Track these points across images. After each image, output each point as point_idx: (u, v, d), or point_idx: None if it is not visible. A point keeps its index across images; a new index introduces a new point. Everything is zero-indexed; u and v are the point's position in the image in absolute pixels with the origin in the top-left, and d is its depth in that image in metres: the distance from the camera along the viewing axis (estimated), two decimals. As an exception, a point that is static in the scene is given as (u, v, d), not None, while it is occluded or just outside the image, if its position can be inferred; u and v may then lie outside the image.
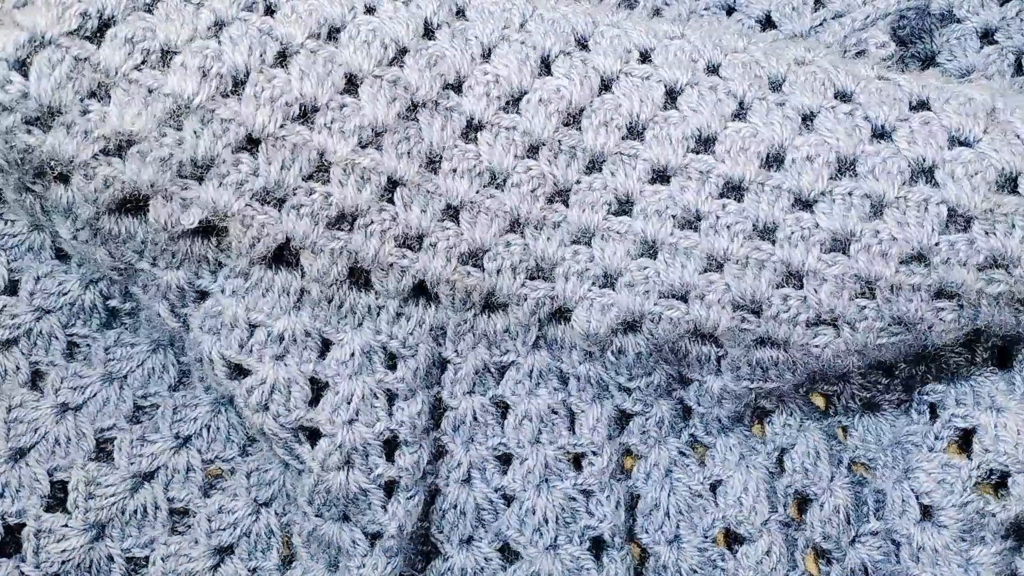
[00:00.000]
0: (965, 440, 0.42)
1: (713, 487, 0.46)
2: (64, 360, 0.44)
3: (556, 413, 0.45)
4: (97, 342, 0.44)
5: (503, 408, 0.45)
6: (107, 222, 0.40)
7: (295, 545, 0.45)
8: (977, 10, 0.52)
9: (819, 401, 0.47)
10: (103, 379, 0.44)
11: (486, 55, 0.42)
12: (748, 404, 0.45)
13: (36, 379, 0.45)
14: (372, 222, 0.41)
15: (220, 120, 0.39)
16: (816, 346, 0.41)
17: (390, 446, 0.44)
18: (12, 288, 0.44)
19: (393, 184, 0.42)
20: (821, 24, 0.52)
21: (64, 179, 0.40)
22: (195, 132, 0.39)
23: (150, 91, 0.39)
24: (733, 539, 0.46)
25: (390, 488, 0.43)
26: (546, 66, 0.43)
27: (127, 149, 0.39)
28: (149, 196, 0.40)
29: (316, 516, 0.43)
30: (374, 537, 0.43)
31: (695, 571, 0.44)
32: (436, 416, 0.45)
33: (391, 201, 0.42)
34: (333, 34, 0.42)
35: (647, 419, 0.46)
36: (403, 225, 0.42)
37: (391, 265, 0.42)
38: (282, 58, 0.41)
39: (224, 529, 0.44)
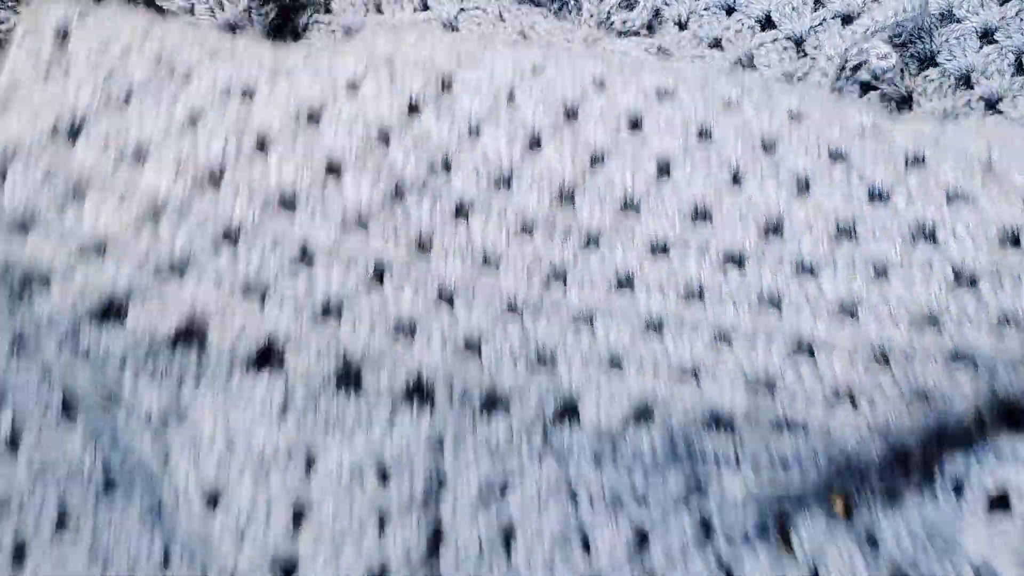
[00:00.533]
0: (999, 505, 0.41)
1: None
2: (51, 532, 0.41)
3: (568, 538, 0.42)
4: (87, 516, 0.41)
5: (510, 530, 0.42)
6: (88, 333, 0.38)
7: None
8: (977, 10, 0.54)
9: (839, 506, 0.45)
10: (88, 559, 0.41)
11: (474, 132, 0.40)
12: (772, 513, 0.42)
13: (18, 555, 0.42)
14: (361, 310, 0.39)
15: (198, 214, 0.37)
16: (836, 426, 0.39)
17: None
18: (13, 442, 0.41)
19: (381, 270, 0.40)
20: (821, 24, 0.54)
21: (46, 287, 0.37)
22: (172, 228, 0.37)
23: (126, 189, 0.37)
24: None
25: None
26: (536, 142, 0.41)
27: (104, 250, 0.37)
28: (128, 300, 0.37)
29: None
30: None
31: None
32: (435, 542, 0.42)
33: (380, 286, 0.39)
34: (314, 117, 0.40)
35: (668, 537, 0.43)
36: (394, 312, 0.40)
37: (383, 357, 0.40)
38: (261, 145, 0.39)
39: None
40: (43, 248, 0.37)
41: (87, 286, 0.37)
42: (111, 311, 0.39)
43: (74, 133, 0.38)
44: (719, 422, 0.42)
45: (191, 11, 0.52)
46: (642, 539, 0.43)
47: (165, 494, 0.41)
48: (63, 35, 0.40)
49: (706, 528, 0.44)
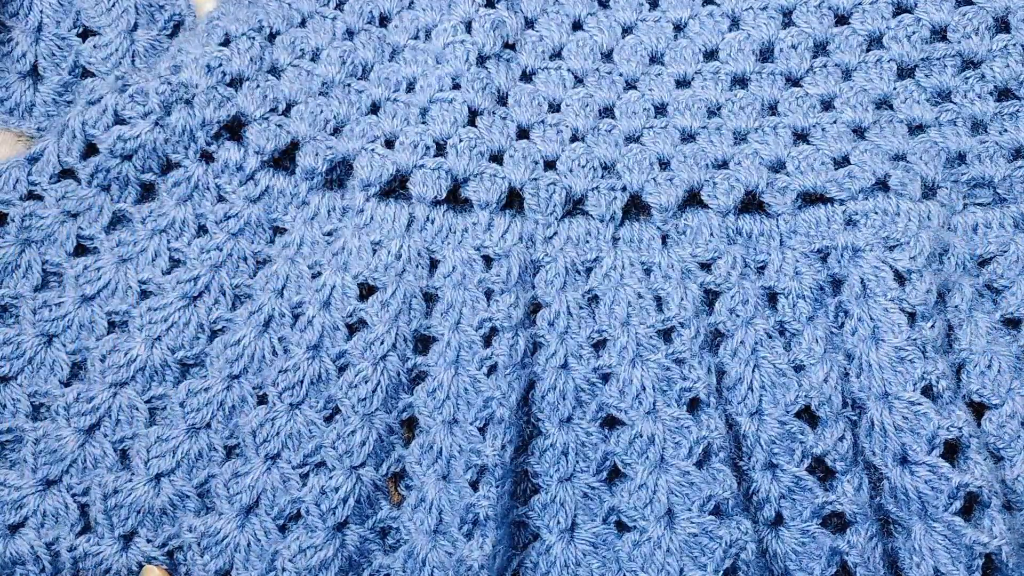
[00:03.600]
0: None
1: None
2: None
3: (644, 299, 0.52)
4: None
5: (593, 298, 0.53)
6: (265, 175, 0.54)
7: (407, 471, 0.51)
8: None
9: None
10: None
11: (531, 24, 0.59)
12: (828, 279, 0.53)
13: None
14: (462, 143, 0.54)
15: (353, 92, 0.56)
16: (833, 180, 0.54)
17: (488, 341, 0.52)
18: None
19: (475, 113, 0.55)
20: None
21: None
22: (337, 100, 0.56)
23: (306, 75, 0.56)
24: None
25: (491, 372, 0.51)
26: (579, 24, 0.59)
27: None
28: (300, 143, 0.54)
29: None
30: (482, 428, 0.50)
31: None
32: (533, 310, 0.53)
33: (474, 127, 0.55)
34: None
35: (733, 297, 0.52)
36: (487, 143, 0.54)
37: (481, 175, 0.54)
38: (392, 55, 0.57)
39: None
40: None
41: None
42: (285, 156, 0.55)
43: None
44: (754, 199, 0.54)
45: None
46: (712, 297, 0.53)
47: (321, 295, 0.53)
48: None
49: (769, 297, 0.53)
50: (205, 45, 0.54)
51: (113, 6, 0.57)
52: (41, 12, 0.56)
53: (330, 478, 0.49)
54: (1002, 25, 0.55)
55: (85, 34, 0.57)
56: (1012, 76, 0.54)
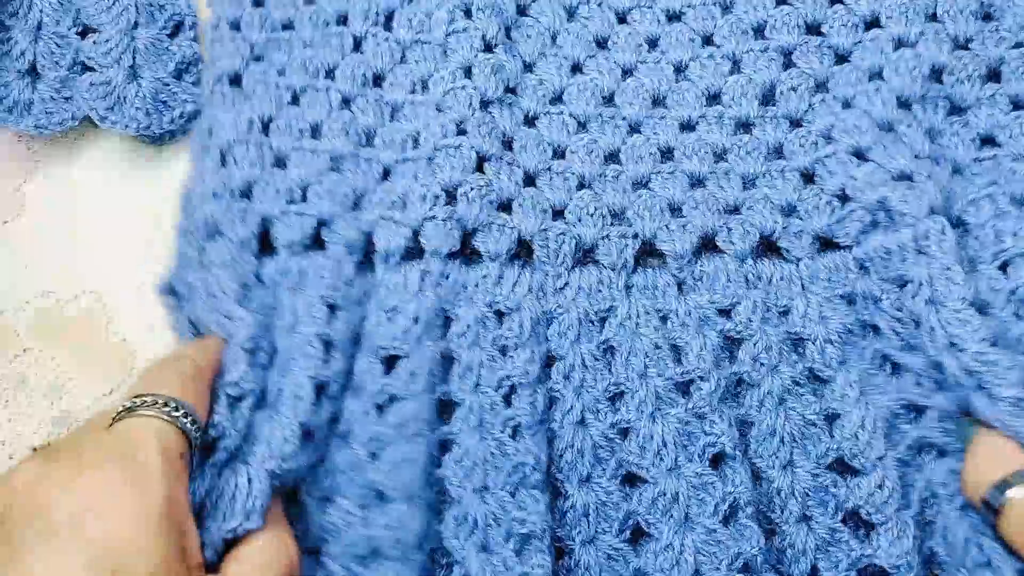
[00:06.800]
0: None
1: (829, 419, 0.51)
2: None
3: (660, 348, 0.51)
4: None
5: (608, 348, 0.52)
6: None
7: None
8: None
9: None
10: None
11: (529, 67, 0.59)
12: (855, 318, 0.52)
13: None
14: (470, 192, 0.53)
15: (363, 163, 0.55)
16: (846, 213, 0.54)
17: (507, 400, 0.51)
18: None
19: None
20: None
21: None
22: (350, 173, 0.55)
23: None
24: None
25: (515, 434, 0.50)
26: (578, 67, 0.59)
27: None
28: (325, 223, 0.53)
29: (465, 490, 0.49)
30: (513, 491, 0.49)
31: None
32: (548, 364, 0.52)
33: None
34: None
35: (756, 344, 0.52)
36: (496, 191, 0.54)
37: (490, 226, 0.53)
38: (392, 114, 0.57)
39: None
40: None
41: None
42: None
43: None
44: (765, 242, 0.54)
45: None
46: (733, 344, 0.52)
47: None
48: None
49: (795, 342, 0.52)
50: (203, 175, 0.53)
51: (113, 4, 0.57)
52: (41, 11, 0.57)
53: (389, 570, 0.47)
54: (993, 75, 0.56)
55: (85, 32, 0.57)
56: (995, 124, 0.55)
